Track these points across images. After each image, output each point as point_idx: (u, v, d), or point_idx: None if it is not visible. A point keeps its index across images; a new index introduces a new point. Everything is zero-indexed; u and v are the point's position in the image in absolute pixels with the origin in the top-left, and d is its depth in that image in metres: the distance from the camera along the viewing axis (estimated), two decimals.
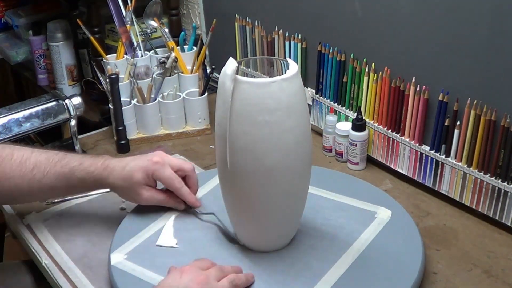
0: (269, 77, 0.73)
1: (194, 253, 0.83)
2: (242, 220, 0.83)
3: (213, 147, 1.21)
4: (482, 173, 0.92)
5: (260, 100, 0.72)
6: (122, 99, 1.22)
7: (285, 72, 0.74)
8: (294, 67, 0.74)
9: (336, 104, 1.16)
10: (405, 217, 0.91)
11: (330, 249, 0.84)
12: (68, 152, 0.92)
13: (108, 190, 0.94)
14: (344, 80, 1.12)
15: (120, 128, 1.22)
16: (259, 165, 0.74)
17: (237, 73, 0.72)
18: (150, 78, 1.27)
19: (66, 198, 1.04)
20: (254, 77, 0.76)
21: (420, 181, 1.03)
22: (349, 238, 0.86)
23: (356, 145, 1.09)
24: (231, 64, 0.72)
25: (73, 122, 1.20)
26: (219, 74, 0.75)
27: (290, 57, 1.22)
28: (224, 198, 0.83)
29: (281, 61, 0.80)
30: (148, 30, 1.35)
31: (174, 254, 0.85)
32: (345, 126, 1.11)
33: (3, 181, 0.87)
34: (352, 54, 1.09)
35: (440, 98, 0.95)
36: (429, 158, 1.00)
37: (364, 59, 1.07)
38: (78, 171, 0.89)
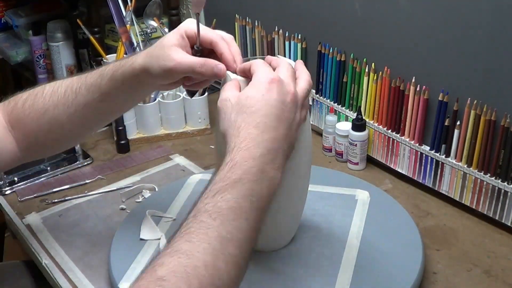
0: None
1: None
2: None
3: (213, 147, 1.21)
4: (482, 173, 0.92)
5: None
6: None
7: None
8: (291, 62, 0.75)
9: (336, 104, 1.16)
10: (405, 217, 0.91)
11: (329, 248, 0.84)
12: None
13: (109, 189, 0.93)
14: (344, 80, 1.12)
15: (120, 128, 1.22)
16: None
17: None
18: None
19: (66, 198, 1.04)
20: None
21: (420, 181, 1.03)
22: (344, 230, 0.88)
23: (356, 145, 1.09)
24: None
25: None
26: None
27: (290, 57, 1.22)
28: None
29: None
30: (148, 30, 1.35)
31: None
32: (345, 126, 1.11)
33: (40, 118, 0.79)
34: (352, 54, 1.09)
35: (440, 98, 0.95)
36: (429, 158, 1.00)
37: (364, 59, 1.07)
38: (106, 73, 0.76)
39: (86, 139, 1.27)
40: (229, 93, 0.65)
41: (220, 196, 0.57)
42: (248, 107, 0.62)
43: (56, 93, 0.80)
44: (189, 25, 0.73)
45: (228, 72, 0.72)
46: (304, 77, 0.69)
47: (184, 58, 0.71)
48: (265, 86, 0.63)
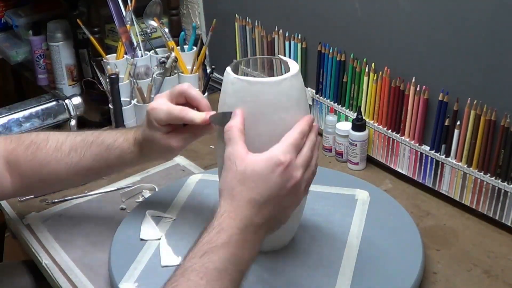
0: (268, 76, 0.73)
1: None
2: None
3: (213, 147, 1.21)
4: (482, 173, 0.92)
5: (275, 98, 0.72)
6: (122, 99, 1.22)
7: (282, 70, 0.75)
8: (294, 65, 0.75)
9: (336, 104, 1.16)
10: (405, 217, 0.91)
11: (329, 248, 0.84)
12: (104, 130, 0.89)
13: (109, 189, 0.94)
14: (344, 80, 1.12)
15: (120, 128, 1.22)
16: None
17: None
18: (150, 78, 1.27)
19: (66, 198, 1.04)
20: (255, 77, 0.76)
21: (420, 181, 1.03)
22: (344, 230, 0.88)
23: (356, 145, 1.09)
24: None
25: (73, 122, 1.20)
26: (219, 74, 0.75)
27: (290, 57, 1.22)
28: None
29: (273, 60, 0.80)
30: (148, 30, 1.35)
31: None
32: (345, 126, 1.11)
33: (40, 168, 0.85)
34: (352, 54, 1.09)
35: (440, 98, 0.95)
36: (429, 158, 1.00)
37: (364, 59, 1.07)
38: (113, 149, 0.84)
39: None
40: (238, 151, 0.68)
41: (207, 258, 0.62)
42: (249, 182, 0.66)
43: (60, 150, 0.85)
44: (155, 117, 0.80)
45: (228, 69, 0.73)
46: (312, 166, 0.73)
47: (181, 141, 0.81)
48: (273, 167, 0.66)
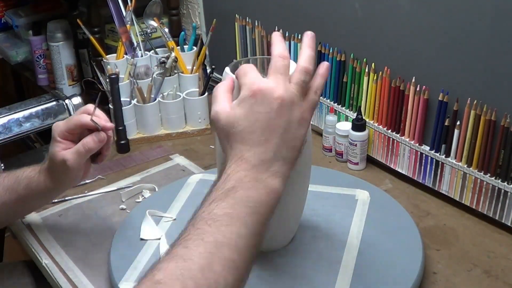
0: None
1: None
2: None
3: (213, 147, 1.21)
4: (482, 173, 0.92)
5: None
6: (122, 99, 1.22)
7: None
8: (293, 65, 0.74)
9: (336, 104, 1.16)
10: (405, 217, 0.91)
11: (329, 248, 0.84)
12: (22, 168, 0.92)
13: (109, 189, 0.94)
14: (344, 80, 1.12)
15: (120, 128, 1.22)
16: None
17: None
18: (150, 78, 1.27)
19: (66, 198, 1.04)
20: None
21: (420, 181, 1.03)
22: (344, 230, 0.88)
23: (356, 145, 1.09)
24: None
25: None
26: (219, 74, 0.75)
27: (290, 57, 1.22)
28: None
29: (266, 60, 0.80)
30: (148, 30, 1.35)
31: None
32: (345, 126, 1.11)
33: None
34: (352, 54, 1.09)
35: (440, 98, 0.95)
36: (429, 158, 1.00)
37: (364, 59, 1.07)
38: (22, 179, 0.87)
39: None
40: (219, 106, 0.65)
41: (215, 204, 0.58)
42: (234, 127, 0.63)
43: None
44: (55, 129, 0.84)
45: (226, 69, 0.73)
46: (300, 67, 0.67)
47: (74, 153, 0.83)
48: (248, 101, 0.63)
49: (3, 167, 1.12)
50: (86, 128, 0.84)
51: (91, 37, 1.29)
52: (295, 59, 1.21)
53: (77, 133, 0.84)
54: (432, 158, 1.00)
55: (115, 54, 1.31)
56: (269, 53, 1.27)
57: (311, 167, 0.81)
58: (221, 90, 0.67)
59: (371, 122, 1.09)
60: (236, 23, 1.35)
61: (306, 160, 0.79)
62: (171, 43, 1.29)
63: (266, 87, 0.63)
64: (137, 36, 1.32)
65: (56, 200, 1.03)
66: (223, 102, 0.65)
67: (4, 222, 0.97)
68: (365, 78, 1.08)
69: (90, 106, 0.85)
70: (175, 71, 1.29)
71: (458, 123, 0.94)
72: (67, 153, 0.83)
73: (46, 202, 0.97)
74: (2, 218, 0.92)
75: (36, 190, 0.86)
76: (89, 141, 0.83)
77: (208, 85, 1.28)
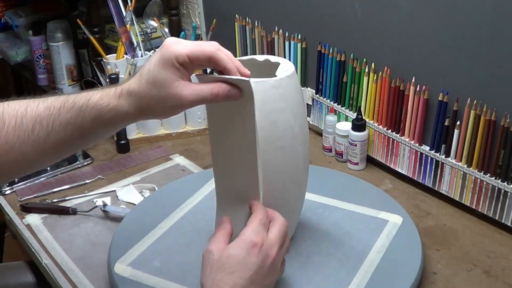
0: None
1: (197, 258, 0.83)
2: (240, 219, 0.83)
3: None
4: (482, 173, 0.92)
5: (270, 98, 0.72)
6: None
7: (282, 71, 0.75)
8: (290, 66, 0.75)
9: (336, 104, 1.16)
10: (405, 217, 0.91)
11: (328, 248, 0.84)
12: (71, 93, 0.73)
13: (109, 190, 0.94)
14: (344, 80, 1.12)
15: None
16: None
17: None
18: None
19: (66, 198, 1.04)
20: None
21: (420, 181, 1.03)
22: (358, 245, 0.86)
23: (356, 145, 1.09)
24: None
25: None
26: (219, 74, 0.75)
27: (290, 57, 1.22)
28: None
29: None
30: (148, 30, 1.35)
31: (180, 260, 0.84)
32: (345, 126, 1.11)
33: (4, 155, 0.68)
34: (352, 54, 1.09)
35: (440, 98, 0.95)
36: (429, 158, 1.00)
37: (364, 59, 1.07)
38: (88, 111, 0.67)
39: None
40: (214, 246, 0.68)
41: None
42: (227, 268, 0.66)
43: (22, 128, 0.68)
44: (174, 50, 0.65)
45: (193, 76, 0.69)
46: (286, 243, 0.72)
47: (194, 93, 0.66)
48: (247, 249, 0.66)
49: None
50: (205, 66, 0.69)
51: (91, 37, 1.29)
52: (295, 59, 1.22)
53: (193, 65, 0.67)
54: (432, 158, 1.00)
55: (115, 54, 1.31)
56: (270, 54, 1.28)
57: (311, 167, 0.81)
58: (219, 234, 0.70)
59: (371, 122, 1.09)
60: (236, 23, 1.35)
61: (304, 159, 0.79)
62: None
63: (267, 244, 0.68)
64: (137, 36, 1.32)
65: (56, 200, 1.03)
66: (220, 242, 0.69)
67: (62, 156, 0.76)
68: (365, 78, 1.08)
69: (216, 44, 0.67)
70: None
71: (458, 123, 0.94)
72: (187, 88, 0.66)
73: (114, 130, 0.75)
74: (59, 156, 0.74)
75: (107, 121, 0.68)
76: (223, 89, 0.66)
77: None
